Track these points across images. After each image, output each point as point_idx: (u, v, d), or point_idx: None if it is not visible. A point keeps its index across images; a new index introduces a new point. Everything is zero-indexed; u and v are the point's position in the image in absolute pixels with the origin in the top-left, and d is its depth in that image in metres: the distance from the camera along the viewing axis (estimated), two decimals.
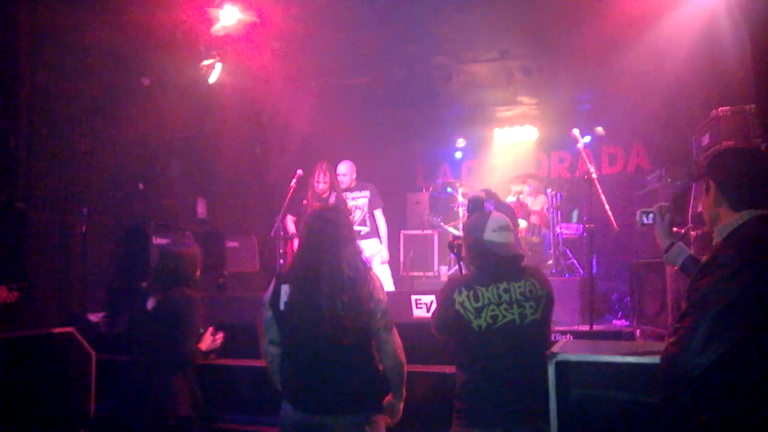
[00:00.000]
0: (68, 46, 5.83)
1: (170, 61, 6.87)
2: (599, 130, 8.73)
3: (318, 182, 5.90)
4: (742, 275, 1.78)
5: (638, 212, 2.49)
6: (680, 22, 5.96)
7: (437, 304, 2.73)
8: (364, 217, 6.14)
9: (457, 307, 2.54)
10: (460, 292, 2.57)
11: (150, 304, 3.40)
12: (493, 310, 2.53)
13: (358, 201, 6.15)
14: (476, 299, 2.54)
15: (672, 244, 2.37)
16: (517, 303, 2.55)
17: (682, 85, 6.75)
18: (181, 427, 3.25)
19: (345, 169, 6.17)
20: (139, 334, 3.45)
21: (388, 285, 6.02)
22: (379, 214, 6.19)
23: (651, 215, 2.45)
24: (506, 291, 2.56)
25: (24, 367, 3.84)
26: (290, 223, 6.16)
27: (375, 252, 6.09)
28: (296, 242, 5.75)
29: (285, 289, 2.64)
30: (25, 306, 4.67)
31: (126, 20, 6.12)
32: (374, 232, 6.16)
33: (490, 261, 2.63)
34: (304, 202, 5.97)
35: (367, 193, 6.19)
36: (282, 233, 6.08)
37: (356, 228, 5.94)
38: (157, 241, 5.94)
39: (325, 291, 2.55)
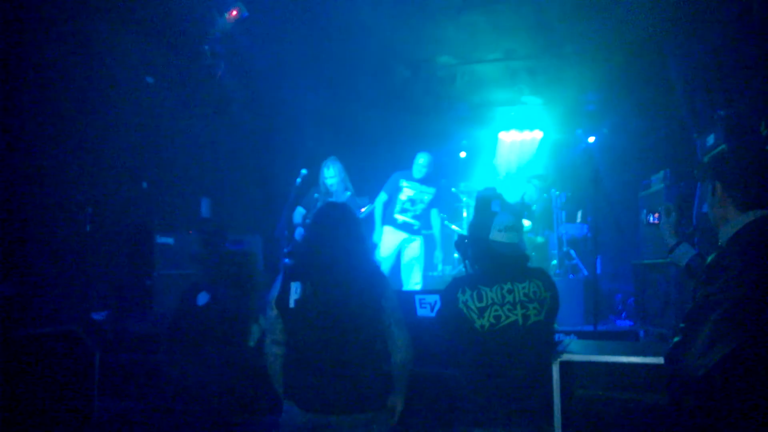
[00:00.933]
0: (72, 45, 5.83)
1: (174, 60, 6.87)
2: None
3: (325, 178, 5.82)
4: (747, 276, 1.78)
5: (643, 212, 2.49)
6: (685, 21, 5.94)
7: (441, 303, 2.73)
8: (421, 212, 6.13)
9: (461, 306, 2.54)
10: (463, 292, 2.56)
11: (202, 299, 3.35)
12: (496, 311, 2.52)
13: (423, 195, 6.14)
14: (480, 299, 2.53)
15: (677, 244, 2.36)
16: (521, 304, 2.54)
17: (686, 85, 6.73)
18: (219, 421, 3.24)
19: (426, 161, 6.15)
20: (187, 325, 3.39)
21: (417, 281, 6.06)
22: (435, 213, 6.26)
23: (656, 215, 2.44)
24: (510, 292, 2.55)
25: (26, 365, 3.83)
26: (298, 215, 6.09)
27: (414, 249, 6.12)
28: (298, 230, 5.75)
29: (295, 287, 2.60)
30: (28, 304, 4.67)
31: (130, 18, 6.13)
32: (421, 230, 6.17)
33: (495, 261, 2.62)
34: (316, 195, 5.92)
35: (434, 190, 6.21)
36: (286, 233, 6.06)
37: (410, 221, 6.05)
38: (162, 239, 5.94)
39: (340, 289, 2.55)
